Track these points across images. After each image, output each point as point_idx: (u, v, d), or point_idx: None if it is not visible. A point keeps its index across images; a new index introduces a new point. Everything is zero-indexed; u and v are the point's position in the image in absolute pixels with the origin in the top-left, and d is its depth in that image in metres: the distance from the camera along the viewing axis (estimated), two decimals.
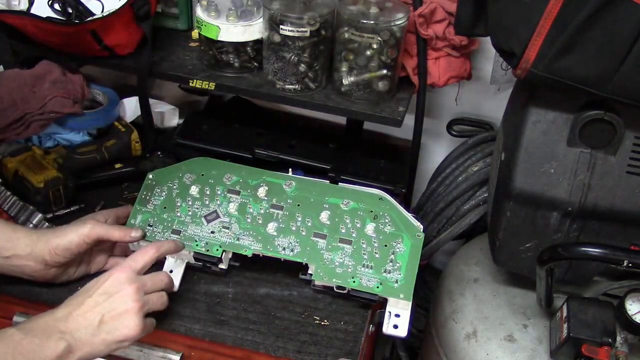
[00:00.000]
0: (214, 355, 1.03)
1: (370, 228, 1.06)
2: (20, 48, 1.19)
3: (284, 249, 1.05)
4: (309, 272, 1.04)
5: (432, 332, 1.24)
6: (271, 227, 1.06)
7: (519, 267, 1.07)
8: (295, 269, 1.07)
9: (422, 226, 1.06)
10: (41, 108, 1.20)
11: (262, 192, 1.10)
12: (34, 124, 1.20)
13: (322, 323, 1.04)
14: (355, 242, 1.05)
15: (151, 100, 1.34)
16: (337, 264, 1.03)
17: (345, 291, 1.04)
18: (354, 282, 1.01)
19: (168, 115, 1.41)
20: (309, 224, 1.07)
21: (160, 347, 1.00)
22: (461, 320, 1.15)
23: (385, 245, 1.04)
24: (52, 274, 1.00)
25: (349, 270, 1.02)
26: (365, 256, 1.04)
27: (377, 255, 1.03)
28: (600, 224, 0.97)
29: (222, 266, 1.06)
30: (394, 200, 1.09)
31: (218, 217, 1.08)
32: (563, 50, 0.79)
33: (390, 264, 1.02)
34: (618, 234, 0.97)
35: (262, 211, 1.09)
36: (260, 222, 1.07)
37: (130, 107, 1.37)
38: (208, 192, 1.11)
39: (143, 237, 1.03)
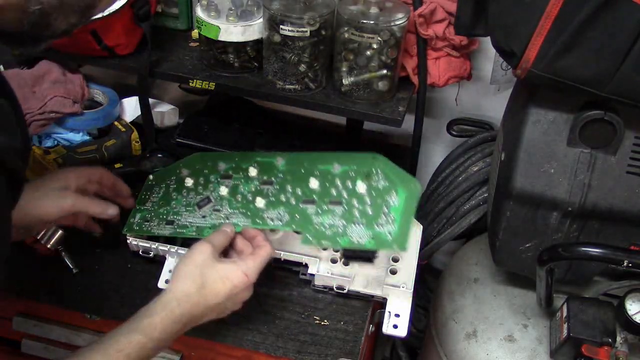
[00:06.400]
0: (214, 355, 1.03)
1: (362, 187, 1.00)
2: (20, 48, 1.19)
3: (272, 220, 1.01)
4: (300, 233, 0.99)
5: (432, 332, 1.24)
6: (260, 202, 1.03)
7: (519, 267, 1.07)
8: (295, 269, 1.08)
9: (415, 180, 1.01)
10: (41, 108, 1.20)
11: (253, 171, 1.07)
12: (34, 124, 1.20)
13: (322, 323, 1.04)
14: (347, 202, 0.99)
15: (151, 100, 1.34)
16: (327, 226, 0.98)
17: (345, 291, 1.04)
18: (344, 240, 0.96)
19: (168, 115, 1.42)
20: (299, 193, 1.02)
21: None
22: (461, 320, 1.15)
23: (379, 201, 0.98)
24: (14, 235, 0.97)
25: (340, 230, 0.97)
26: (357, 214, 0.98)
27: (369, 212, 0.97)
28: (600, 224, 0.97)
29: None
30: (386, 159, 1.03)
31: (210, 201, 1.06)
32: (563, 50, 0.79)
33: (384, 217, 0.96)
34: (618, 234, 0.97)
35: (252, 189, 1.06)
36: (250, 199, 1.04)
37: (130, 107, 1.37)
38: (202, 182, 1.10)
39: (118, 214, 1.04)
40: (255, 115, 1.46)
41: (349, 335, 1.02)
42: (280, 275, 1.10)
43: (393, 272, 1.05)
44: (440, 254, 1.51)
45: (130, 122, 1.35)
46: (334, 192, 1.01)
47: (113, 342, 0.79)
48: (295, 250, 1.07)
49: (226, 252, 0.96)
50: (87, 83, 1.31)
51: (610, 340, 0.95)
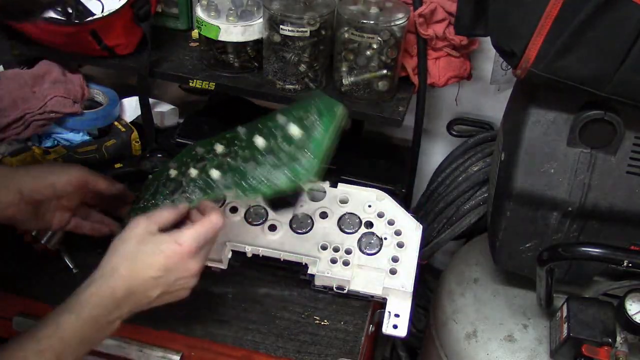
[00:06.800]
0: (214, 355, 1.03)
1: (295, 129, 0.95)
2: (20, 48, 1.19)
3: (219, 187, 0.98)
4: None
5: (432, 332, 1.24)
6: (215, 173, 1.00)
7: (519, 267, 1.07)
8: (295, 269, 1.07)
9: (342, 105, 0.96)
10: (41, 108, 1.20)
11: (219, 147, 1.04)
12: (34, 123, 1.20)
13: (322, 323, 1.04)
14: (279, 150, 0.95)
15: (151, 100, 1.34)
16: (259, 178, 0.94)
17: (345, 291, 1.04)
18: (267, 188, 0.92)
19: (168, 115, 1.42)
20: (247, 154, 0.99)
21: (160, 347, 1.00)
22: (461, 321, 1.15)
23: (306, 139, 0.94)
24: (23, 213, 0.96)
25: (266, 179, 0.93)
26: (286, 159, 0.94)
27: (294, 152, 0.93)
28: (600, 224, 0.97)
29: (222, 266, 1.06)
30: (325, 95, 0.98)
31: (181, 186, 1.04)
32: (563, 50, 0.79)
33: (306, 153, 0.92)
34: (618, 234, 0.97)
35: (215, 164, 1.03)
36: (210, 174, 1.02)
37: (130, 107, 1.37)
38: (183, 170, 1.09)
39: (123, 190, 1.05)
40: (255, 115, 1.45)
41: (349, 335, 1.02)
42: (280, 275, 1.10)
43: (393, 272, 1.05)
44: (440, 254, 1.51)
45: (130, 122, 1.35)
46: (272, 143, 0.97)
47: (42, 326, 0.77)
48: (295, 250, 1.07)
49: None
50: (87, 83, 1.31)
51: (610, 340, 0.95)
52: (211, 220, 0.89)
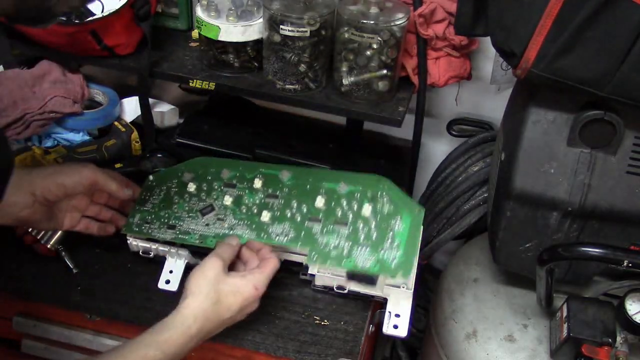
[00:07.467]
0: (214, 355, 1.03)
1: (367, 209, 1.03)
2: (20, 48, 1.19)
3: (277, 235, 1.04)
4: (304, 259, 1.02)
5: (432, 332, 1.24)
6: (265, 216, 1.05)
7: (519, 267, 1.07)
8: (295, 269, 1.07)
9: (422, 208, 1.05)
10: (41, 108, 1.20)
11: (258, 183, 1.09)
12: (34, 124, 1.20)
13: (322, 323, 1.04)
14: (352, 224, 1.03)
15: (151, 100, 1.34)
16: (332, 247, 1.01)
17: (345, 291, 1.04)
18: (349, 263, 0.99)
19: (168, 115, 1.41)
20: (304, 210, 1.05)
21: None
22: (461, 320, 1.15)
23: (384, 225, 1.02)
24: (37, 215, 0.97)
25: (345, 252, 1.00)
26: (362, 237, 1.01)
27: (374, 236, 1.01)
28: (600, 224, 0.97)
29: None
30: (391, 182, 1.08)
31: (213, 209, 1.08)
32: (563, 50, 0.79)
33: (389, 242, 1.00)
34: (618, 234, 0.97)
35: (257, 201, 1.08)
36: (255, 211, 1.07)
37: (130, 107, 1.37)
38: (205, 188, 1.11)
39: (132, 195, 1.07)
40: (255, 115, 1.46)
41: (349, 335, 1.02)
42: (280, 276, 1.10)
43: None
44: (440, 254, 1.51)
45: (130, 122, 1.35)
46: (339, 212, 1.04)
47: (128, 354, 0.80)
48: (295, 251, 1.07)
49: (232, 263, 0.97)
50: (87, 83, 1.31)
51: (610, 340, 0.95)
52: (275, 265, 0.97)
